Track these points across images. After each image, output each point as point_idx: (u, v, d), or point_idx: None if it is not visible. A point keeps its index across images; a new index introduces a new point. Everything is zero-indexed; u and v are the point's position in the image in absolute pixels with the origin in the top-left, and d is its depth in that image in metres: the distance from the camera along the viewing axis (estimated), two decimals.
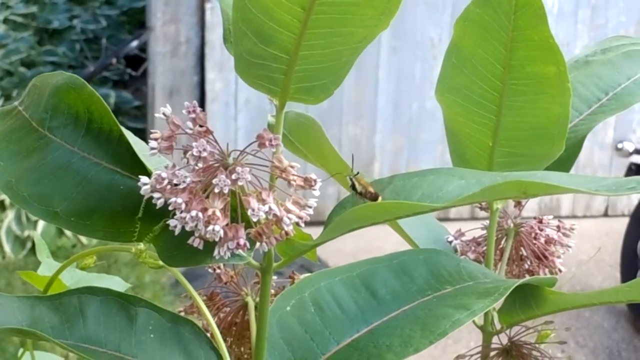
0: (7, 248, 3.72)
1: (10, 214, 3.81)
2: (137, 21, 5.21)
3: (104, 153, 0.61)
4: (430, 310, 0.61)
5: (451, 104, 0.71)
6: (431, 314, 0.61)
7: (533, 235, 0.79)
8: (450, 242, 0.80)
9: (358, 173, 0.62)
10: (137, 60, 4.99)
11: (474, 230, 0.81)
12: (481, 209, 0.79)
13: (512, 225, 0.80)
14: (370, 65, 4.08)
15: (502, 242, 0.80)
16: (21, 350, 0.76)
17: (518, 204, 0.81)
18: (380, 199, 0.60)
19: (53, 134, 0.62)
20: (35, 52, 5.02)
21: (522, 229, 0.79)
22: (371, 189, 0.60)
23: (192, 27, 3.97)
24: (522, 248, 0.79)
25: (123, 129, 0.61)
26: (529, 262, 0.79)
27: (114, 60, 4.40)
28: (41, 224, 3.73)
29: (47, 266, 0.82)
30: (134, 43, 4.42)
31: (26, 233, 3.78)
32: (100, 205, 0.60)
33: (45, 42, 5.19)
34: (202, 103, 3.96)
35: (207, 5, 3.89)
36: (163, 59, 4.02)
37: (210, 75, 3.93)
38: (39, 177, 0.60)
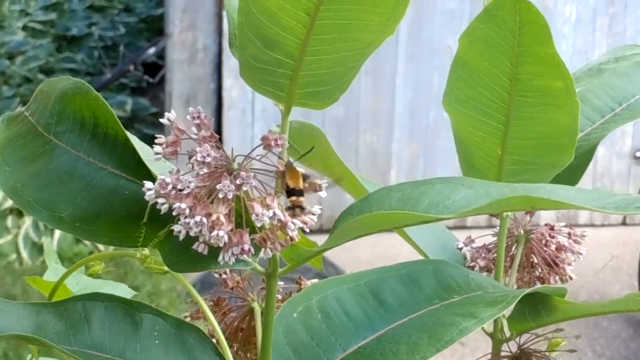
0: (24, 254, 3.73)
1: (27, 221, 3.82)
2: (156, 29, 5.23)
3: (109, 158, 0.61)
4: (437, 318, 0.61)
5: (459, 114, 0.71)
6: (438, 322, 0.61)
7: (544, 242, 0.78)
8: (460, 249, 0.80)
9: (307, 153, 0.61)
10: (155, 67, 5.00)
11: (485, 237, 0.81)
12: (491, 216, 0.79)
13: (522, 232, 0.79)
14: (387, 73, 4.08)
15: (513, 248, 0.79)
16: (29, 356, 0.76)
17: (529, 212, 0.80)
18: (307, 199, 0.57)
19: (59, 139, 0.62)
20: (53, 59, 5.03)
21: (533, 235, 0.79)
22: (300, 185, 0.57)
23: (210, 34, 3.98)
24: (532, 255, 0.79)
25: (128, 134, 0.61)
26: (539, 269, 0.79)
27: (131, 67, 4.41)
28: (58, 230, 3.74)
29: (54, 272, 0.82)
30: (152, 50, 4.43)
31: (43, 239, 3.78)
32: (105, 210, 0.60)
33: (63, 49, 5.21)
34: (218, 110, 3.96)
35: (225, 13, 3.90)
36: (180, 66, 4.03)
37: (227, 82, 3.94)
38: (45, 182, 0.60)
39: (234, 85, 3.93)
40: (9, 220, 3.86)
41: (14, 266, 3.74)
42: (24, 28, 5.25)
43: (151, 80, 5.04)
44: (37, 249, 3.78)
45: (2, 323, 0.59)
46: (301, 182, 0.56)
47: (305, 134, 0.70)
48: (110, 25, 5.31)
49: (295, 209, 0.55)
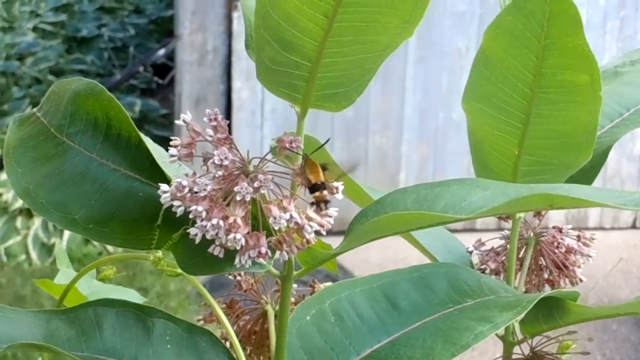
0: (33, 255, 3.73)
1: (37, 222, 3.82)
2: (166, 30, 5.23)
3: (122, 159, 0.61)
4: (452, 322, 0.61)
5: (477, 113, 0.70)
6: (453, 326, 0.60)
7: (554, 244, 0.78)
8: (471, 252, 0.80)
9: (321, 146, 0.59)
10: (165, 68, 5.00)
11: (493, 239, 0.81)
12: (500, 218, 0.79)
13: (532, 234, 0.79)
14: (397, 75, 4.07)
15: (522, 251, 0.79)
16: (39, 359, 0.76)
17: (538, 214, 0.80)
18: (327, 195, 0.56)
19: (71, 141, 0.61)
20: (63, 60, 5.04)
21: (542, 238, 0.79)
22: (321, 178, 0.56)
23: (219, 36, 3.98)
24: (542, 257, 0.79)
25: (142, 135, 0.60)
26: (549, 272, 0.78)
27: (140, 69, 4.41)
28: (67, 231, 3.74)
29: (64, 275, 0.82)
30: (161, 51, 4.43)
31: (52, 240, 3.79)
32: (119, 212, 0.59)
33: (73, 50, 5.22)
34: (228, 112, 3.96)
35: (235, 15, 3.90)
36: (190, 67, 4.03)
37: (236, 84, 3.94)
38: (57, 183, 0.60)
39: (243, 87, 3.93)
40: (19, 221, 3.86)
41: (23, 267, 3.74)
42: (34, 29, 5.27)
43: (161, 81, 5.04)
44: (47, 249, 3.78)
45: (14, 331, 0.59)
46: (322, 175, 0.56)
47: (307, 147, 0.70)
48: (120, 26, 5.31)
49: (320, 204, 0.55)
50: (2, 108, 4.67)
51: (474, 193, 0.56)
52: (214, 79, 4.03)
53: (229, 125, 3.31)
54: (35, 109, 0.64)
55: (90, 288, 0.82)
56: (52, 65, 4.97)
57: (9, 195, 3.83)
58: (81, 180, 0.60)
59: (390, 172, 4.11)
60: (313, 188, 0.55)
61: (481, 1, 3.97)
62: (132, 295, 0.86)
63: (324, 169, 0.56)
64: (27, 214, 3.89)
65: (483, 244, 0.81)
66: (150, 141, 0.61)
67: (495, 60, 0.67)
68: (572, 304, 0.71)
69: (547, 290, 0.79)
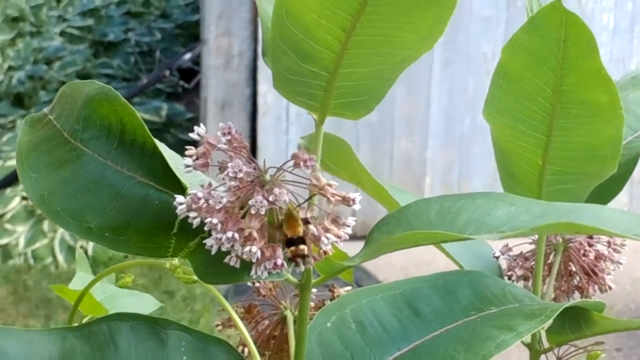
0: (60, 258, 3.76)
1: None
2: (191, 34, 5.25)
3: (137, 166, 0.60)
4: (474, 330, 0.60)
5: (500, 124, 0.70)
6: (475, 335, 0.59)
7: (582, 251, 0.77)
8: (497, 258, 0.79)
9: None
10: (191, 72, 5.02)
11: (522, 245, 0.80)
12: None
13: (560, 240, 0.78)
14: (422, 79, 4.06)
15: (551, 257, 0.78)
16: None
17: None
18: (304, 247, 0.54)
19: (86, 146, 0.61)
20: (90, 65, 5.07)
21: (571, 244, 0.78)
22: (299, 233, 0.54)
23: (245, 40, 3.99)
24: (571, 263, 0.78)
25: (157, 141, 0.60)
26: (578, 278, 0.78)
27: (167, 73, 4.43)
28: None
29: (80, 279, 0.81)
30: (187, 56, 4.45)
31: (79, 243, 3.81)
32: (135, 220, 0.59)
33: (100, 54, 5.25)
34: (253, 116, 3.97)
35: (259, 20, 3.91)
36: (216, 71, 4.04)
37: (262, 88, 3.94)
38: (72, 191, 0.60)
39: (269, 91, 3.94)
40: (45, 225, 3.89)
41: (49, 270, 3.77)
42: (62, 34, 5.30)
43: (186, 85, 5.06)
44: (73, 252, 3.80)
45: (30, 353, 0.58)
46: (301, 229, 0.54)
47: (331, 145, 0.70)
48: (146, 31, 5.34)
49: (296, 259, 0.54)
50: (29, 112, 4.70)
51: (498, 208, 0.56)
52: (240, 83, 4.04)
53: (254, 130, 3.31)
54: (46, 110, 0.63)
55: (106, 293, 0.81)
56: (79, 69, 5.00)
57: None
58: (96, 188, 0.60)
59: (416, 177, 4.10)
60: (289, 242, 0.54)
61: (508, 5, 3.95)
62: (148, 300, 0.85)
63: (306, 222, 0.54)
64: None
65: (510, 249, 0.80)
66: (166, 148, 0.61)
67: (514, 75, 0.66)
68: (599, 316, 0.70)
69: (577, 297, 0.78)
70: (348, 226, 0.55)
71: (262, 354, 0.68)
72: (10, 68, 5.07)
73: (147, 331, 0.60)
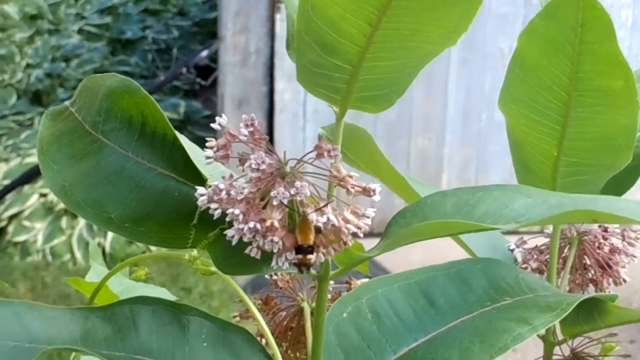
0: (78, 255, 3.77)
1: (81, 222, 3.86)
2: (209, 32, 5.26)
3: (158, 158, 0.61)
4: (490, 322, 0.60)
5: (515, 114, 0.70)
6: (491, 327, 0.60)
7: (597, 244, 0.77)
8: (512, 251, 0.79)
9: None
10: (208, 70, 5.03)
11: (536, 238, 0.80)
12: None
13: (575, 233, 0.78)
14: (439, 76, 4.06)
15: (566, 250, 0.78)
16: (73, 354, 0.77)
17: None
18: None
19: (107, 138, 0.61)
20: (108, 62, 5.09)
21: (586, 237, 0.78)
22: (309, 242, 0.54)
23: (262, 37, 3.99)
24: (585, 257, 0.78)
25: (177, 133, 0.60)
26: (592, 271, 0.78)
27: (184, 70, 4.44)
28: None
29: (95, 272, 0.82)
30: (204, 53, 4.45)
31: (97, 240, 3.83)
32: (155, 211, 0.60)
33: (118, 52, 5.27)
34: (270, 113, 3.97)
35: (277, 17, 3.91)
36: (233, 69, 4.04)
37: (279, 85, 3.94)
38: (93, 182, 0.60)
39: (285, 88, 3.94)
40: (63, 221, 3.90)
41: (68, 266, 3.78)
42: (80, 31, 5.32)
43: (203, 82, 5.07)
44: (99, 252, 3.82)
45: (51, 330, 0.59)
46: (312, 237, 0.54)
47: (352, 135, 0.70)
48: (164, 28, 5.35)
49: (301, 267, 0.54)
50: (47, 109, 4.72)
51: (516, 200, 0.56)
52: (257, 80, 4.04)
53: (271, 127, 3.30)
54: (67, 103, 0.64)
55: (122, 286, 0.82)
56: (97, 66, 5.02)
57: (54, 196, 3.87)
58: (117, 179, 0.60)
59: (433, 174, 4.09)
60: (298, 249, 0.54)
61: (525, 2, 3.94)
62: (164, 293, 0.86)
63: (318, 231, 0.54)
64: (72, 214, 3.93)
65: (525, 242, 0.80)
66: (186, 140, 0.61)
67: (530, 63, 0.66)
68: (612, 306, 0.70)
69: (591, 290, 0.78)
70: (368, 217, 0.55)
71: (279, 345, 0.68)
72: (28, 66, 5.09)
73: (168, 316, 0.61)
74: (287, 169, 0.54)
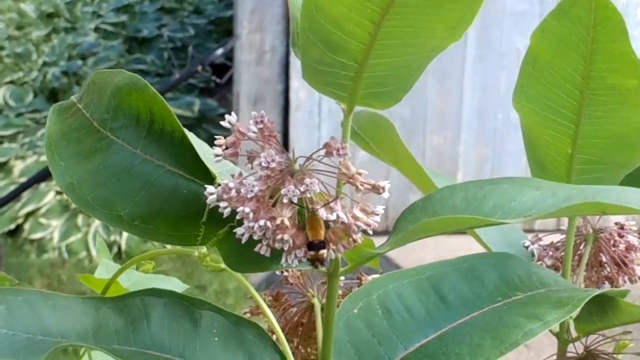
0: (93, 252, 3.79)
1: (97, 220, 3.87)
2: (224, 30, 5.26)
3: (166, 155, 0.60)
4: (501, 318, 0.60)
5: (529, 112, 0.70)
6: (502, 323, 0.59)
7: (612, 241, 0.77)
8: (527, 247, 0.79)
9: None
10: (224, 68, 5.03)
11: (552, 235, 0.80)
12: None
13: (591, 230, 0.78)
14: (455, 75, 4.05)
15: (581, 247, 0.78)
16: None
17: None
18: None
19: (115, 135, 0.61)
20: (124, 60, 5.10)
21: (602, 234, 0.78)
22: (320, 237, 0.54)
23: (278, 35, 3.99)
24: (601, 254, 0.78)
25: (186, 130, 0.60)
26: (608, 269, 0.77)
27: (199, 68, 4.44)
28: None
29: (105, 267, 0.82)
30: (219, 51, 4.46)
31: (112, 238, 3.84)
32: (164, 209, 0.59)
33: (134, 50, 5.28)
34: (285, 111, 3.97)
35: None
36: (248, 67, 4.05)
37: (294, 83, 3.94)
38: (102, 179, 0.60)
39: (301, 87, 3.94)
40: (79, 219, 3.92)
41: (83, 264, 3.80)
42: (96, 30, 5.34)
43: (219, 80, 5.07)
44: (107, 247, 3.83)
45: (63, 321, 0.59)
46: (322, 233, 0.54)
47: (374, 124, 0.70)
48: (179, 26, 5.36)
49: (314, 263, 0.54)
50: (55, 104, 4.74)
51: (524, 193, 0.56)
52: (272, 78, 4.04)
53: (287, 125, 3.31)
54: (74, 98, 0.64)
55: (131, 280, 0.82)
56: (113, 65, 5.03)
57: None
58: (126, 177, 0.60)
59: (448, 172, 4.08)
60: (310, 246, 0.54)
61: (540, 0, 3.93)
62: (175, 284, 0.86)
63: (328, 226, 0.54)
64: None
65: (540, 239, 0.80)
66: (195, 137, 0.61)
67: (543, 62, 0.66)
68: (625, 303, 0.70)
69: (607, 287, 0.78)
70: (377, 214, 0.55)
71: (290, 341, 0.68)
72: (45, 64, 5.11)
73: (181, 309, 0.61)
74: (297, 166, 0.54)
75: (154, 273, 0.86)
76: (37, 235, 3.94)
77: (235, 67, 4.25)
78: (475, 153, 4.17)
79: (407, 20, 0.51)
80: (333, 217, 0.53)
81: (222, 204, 0.54)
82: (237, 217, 0.53)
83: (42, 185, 4.01)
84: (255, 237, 0.53)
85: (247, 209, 0.52)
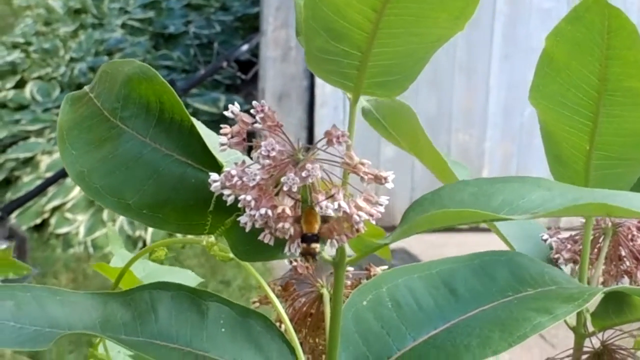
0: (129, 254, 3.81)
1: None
2: (251, 27, 5.28)
3: (175, 145, 0.60)
4: (511, 311, 0.60)
5: (545, 109, 0.70)
6: (512, 316, 0.59)
7: (630, 236, 0.77)
8: (545, 241, 0.79)
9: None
10: (250, 64, 5.05)
11: (572, 229, 0.79)
12: None
13: (610, 224, 0.77)
14: (481, 72, 4.04)
15: (600, 241, 0.78)
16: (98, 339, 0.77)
17: None
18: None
19: (125, 124, 0.61)
20: (150, 56, 5.12)
21: (621, 228, 0.77)
22: (314, 230, 0.54)
23: None
24: (620, 248, 0.77)
25: (194, 120, 0.60)
26: (627, 263, 0.77)
27: (224, 64, 4.46)
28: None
29: (120, 257, 0.82)
30: (244, 47, 4.47)
31: (137, 233, 3.86)
32: (172, 198, 0.59)
33: (160, 46, 5.31)
34: (311, 107, 3.98)
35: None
36: (274, 63, 4.06)
37: (319, 80, 3.93)
38: (111, 168, 0.60)
39: (326, 83, 3.93)
40: (105, 214, 3.95)
41: (108, 258, 3.81)
42: (123, 26, 5.37)
43: (244, 76, 5.08)
44: (131, 242, 3.85)
45: (72, 315, 0.60)
46: (317, 227, 0.54)
47: (395, 111, 0.70)
48: (206, 23, 5.38)
49: (306, 256, 0.54)
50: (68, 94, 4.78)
51: (533, 192, 0.55)
52: (297, 74, 4.05)
53: (312, 121, 3.31)
54: (86, 88, 0.64)
55: (146, 270, 0.82)
56: (139, 60, 5.05)
57: None
58: (135, 165, 0.60)
59: (473, 169, 4.07)
60: (304, 238, 0.54)
61: None
62: (188, 276, 0.86)
63: (324, 220, 0.54)
64: None
65: (558, 232, 0.79)
66: (203, 126, 0.61)
67: (559, 63, 0.66)
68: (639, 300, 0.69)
69: (625, 282, 0.77)
70: (381, 205, 0.54)
71: (299, 331, 0.68)
72: (72, 59, 5.14)
73: (188, 302, 0.61)
74: (301, 156, 0.54)
75: (171, 265, 0.86)
76: (62, 230, 3.97)
77: (260, 63, 4.26)
78: (501, 150, 4.16)
79: (409, 8, 0.51)
80: (335, 206, 0.52)
81: (226, 192, 0.54)
82: (239, 205, 0.53)
83: (68, 180, 4.04)
84: (257, 226, 0.53)
85: (248, 197, 0.52)
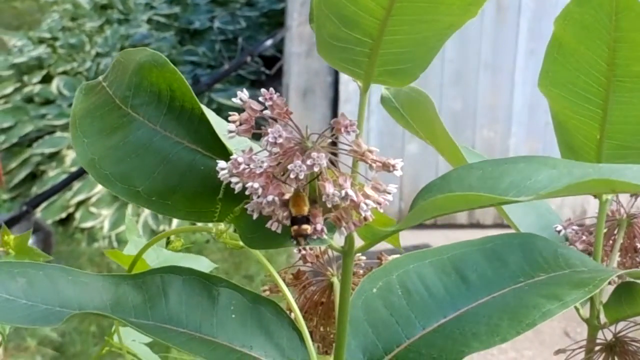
0: (143, 241, 3.82)
1: (147, 210, 3.91)
2: (276, 23, 5.28)
3: (185, 132, 0.60)
4: (520, 298, 0.60)
5: (555, 97, 0.70)
6: (521, 303, 0.59)
7: None
8: (559, 232, 0.78)
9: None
10: (274, 60, 5.05)
11: (586, 219, 0.79)
12: (596, 197, 0.77)
13: (625, 216, 0.77)
14: (506, 68, 4.02)
15: (615, 232, 0.77)
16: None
17: (633, 195, 0.78)
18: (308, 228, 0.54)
19: (136, 112, 0.61)
20: (176, 52, 5.14)
21: (635, 219, 0.77)
22: (304, 212, 0.54)
23: None
24: (635, 239, 0.77)
25: (204, 108, 0.60)
26: None
27: (248, 59, 4.46)
28: (175, 218, 3.80)
29: (134, 244, 0.83)
30: (268, 42, 4.47)
31: (162, 228, 3.88)
32: (181, 185, 0.60)
33: (186, 42, 5.32)
34: (335, 103, 3.98)
35: None
36: (298, 59, 4.06)
37: (343, 76, 3.94)
38: (122, 155, 0.60)
39: (350, 79, 3.90)
40: (129, 209, 3.96)
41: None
42: (149, 21, 5.39)
43: (267, 72, 5.08)
44: (136, 225, 3.86)
45: (83, 296, 0.60)
46: (306, 208, 0.54)
47: (413, 100, 0.70)
48: (231, 19, 5.39)
49: (297, 238, 0.54)
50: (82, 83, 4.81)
51: (540, 171, 0.55)
52: (321, 70, 4.05)
53: (336, 117, 3.33)
54: (101, 77, 0.64)
55: (160, 257, 0.83)
56: (165, 56, 5.07)
57: None
58: (145, 153, 0.60)
59: None
60: (293, 220, 0.54)
61: None
62: (203, 263, 0.86)
63: (313, 202, 0.54)
64: None
65: (572, 223, 0.79)
66: (213, 114, 0.61)
67: (568, 48, 0.66)
68: None
69: None
70: (389, 193, 0.54)
71: (309, 320, 0.68)
72: (98, 54, 5.17)
73: (199, 287, 0.61)
74: (309, 143, 0.54)
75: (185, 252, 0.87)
76: (87, 224, 3.99)
77: (285, 59, 4.27)
78: (525, 147, 4.14)
79: None
80: (342, 194, 0.52)
81: (234, 180, 0.54)
82: (247, 192, 0.53)
83: None
84: (265, 213, 0.53)
85: (256, 184, 0.52)
